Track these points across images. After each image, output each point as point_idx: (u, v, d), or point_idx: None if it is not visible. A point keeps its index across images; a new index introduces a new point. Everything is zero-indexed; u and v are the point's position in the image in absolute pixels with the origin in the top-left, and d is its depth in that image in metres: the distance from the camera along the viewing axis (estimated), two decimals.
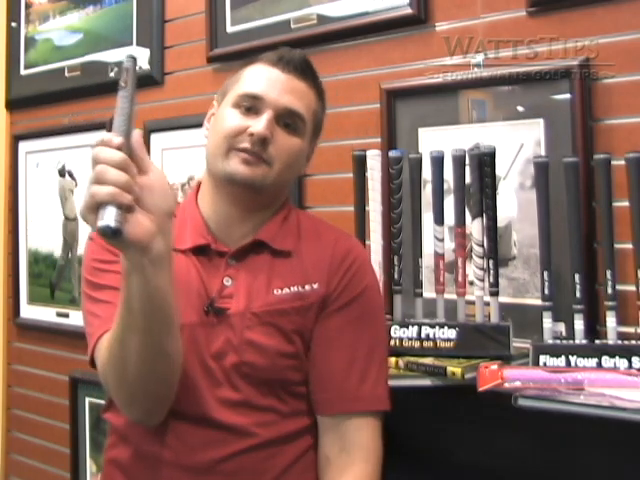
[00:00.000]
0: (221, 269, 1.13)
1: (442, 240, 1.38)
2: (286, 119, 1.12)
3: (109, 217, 0.81)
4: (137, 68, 0.92)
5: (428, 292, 1.40)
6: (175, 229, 0.96)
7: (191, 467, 1.07)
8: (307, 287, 1.13)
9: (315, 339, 1.13)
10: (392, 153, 1.44)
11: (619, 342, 1.20)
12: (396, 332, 1.35)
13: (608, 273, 1.22)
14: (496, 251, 1.33)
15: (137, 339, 0.94)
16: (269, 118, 1.09)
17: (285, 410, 1.12)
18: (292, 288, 1.12)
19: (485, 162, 1.32)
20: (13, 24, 2.43)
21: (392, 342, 1.35)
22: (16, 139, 2.42)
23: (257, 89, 1.12)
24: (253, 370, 1.09)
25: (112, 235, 0.82)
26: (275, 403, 1.11)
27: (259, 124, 1.08)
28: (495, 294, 1.33)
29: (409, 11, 1.53)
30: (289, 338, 1.12)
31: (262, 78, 1.13)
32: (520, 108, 1.41)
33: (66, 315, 2.23)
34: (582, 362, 1.19)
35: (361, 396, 1.13)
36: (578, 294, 1.25)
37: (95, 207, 0.82)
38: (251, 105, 1.11)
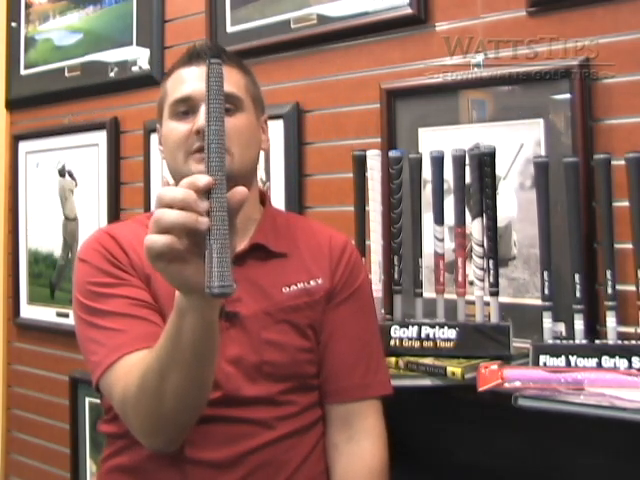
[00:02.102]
0: None
1: (442, 240, 1.38)
2: None
3: (213, 282, 0.76)
4: (220, 72, 0.77)
5: (428, 292, 1.40)
6: None
7: (214, 463, 1.07)
8: (312, 282, 1.16)
9: (323, 332, 1.16)
10: (392, 153, 1.44)
11: (619, 342, 1.20)
12: (396, 332, 1.35)
13: (608, 273, 1.22)
14: (496, 251, 1.33)
15: (181, 373, 0.92)
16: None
17: (303, 403, 1.14)
18: (299, 285, 1.15)
19: (485, 162, 1.32)
20: (13, 24, 2.42)
21: (392, 342, 1.35)
22: (16, 139, 2.41)
23: (184, 91, 1.13)
24: (274, 368, 1.11)
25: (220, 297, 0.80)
26: (294, 398, 1.13)
27: (200, 119, 1.09)
28: (495, 294, 1.33)
29: (409, 11, 1.53)
30: (304, 333, 1.14)
31: (184, 80, 1.14)
32: (520, 108, 1.40)
33: (66, 315, 2.22)
34: (582, 362, 1.19)
35: (369, 383, 1.18)
36: (578, 294, 1.25)
37: (157, 257, 0.80)
38: (186, 108, 1.12)
